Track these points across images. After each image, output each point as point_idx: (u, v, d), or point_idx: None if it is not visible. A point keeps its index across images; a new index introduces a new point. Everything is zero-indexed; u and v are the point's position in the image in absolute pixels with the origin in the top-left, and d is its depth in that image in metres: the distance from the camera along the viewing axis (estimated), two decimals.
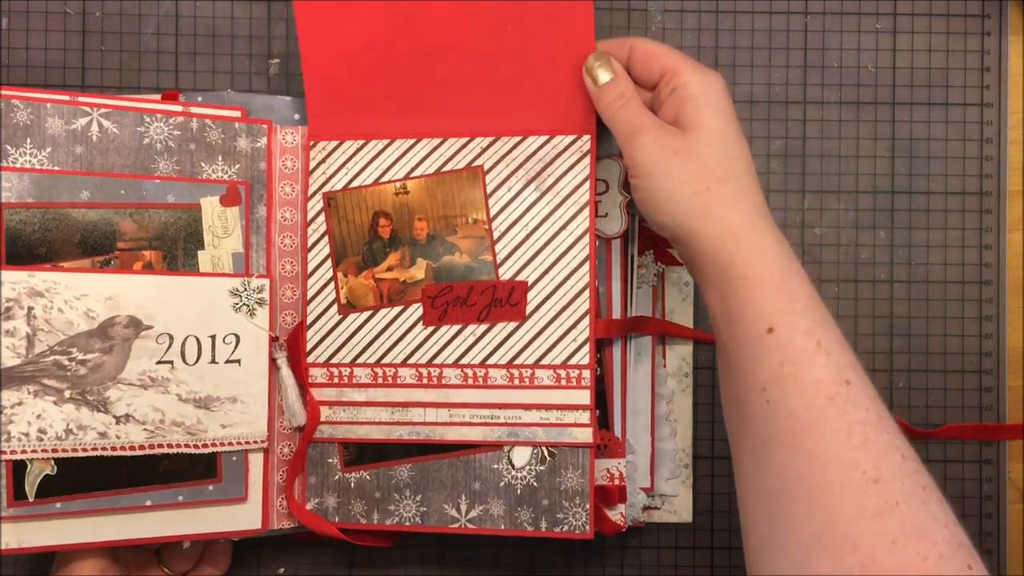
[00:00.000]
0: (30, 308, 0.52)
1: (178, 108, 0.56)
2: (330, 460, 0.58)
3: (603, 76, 0.53)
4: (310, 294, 0.58)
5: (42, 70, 0.61)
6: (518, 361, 0.56)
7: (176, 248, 0.55)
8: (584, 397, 0.55)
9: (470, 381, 0.56)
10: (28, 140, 0.53)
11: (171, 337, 0.54)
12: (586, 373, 0.55)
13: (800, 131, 0.63)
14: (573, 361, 0.56)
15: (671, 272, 0.62)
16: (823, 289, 0.63)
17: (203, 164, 0.56)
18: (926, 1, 0.64)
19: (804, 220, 0.63)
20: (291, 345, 0.58)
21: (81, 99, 0.54)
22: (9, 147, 0.53)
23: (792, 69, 0.63)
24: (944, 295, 0.63)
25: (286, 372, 0.57)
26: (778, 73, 0.63)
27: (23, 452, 0.53)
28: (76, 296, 0.53)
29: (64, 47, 0.61)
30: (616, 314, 0.59)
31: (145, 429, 0.55)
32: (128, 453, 0.54)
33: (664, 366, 0.62)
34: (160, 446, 0.55)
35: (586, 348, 0.55)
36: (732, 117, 0.51)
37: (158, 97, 0.58)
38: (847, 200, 0.63)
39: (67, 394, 0.53)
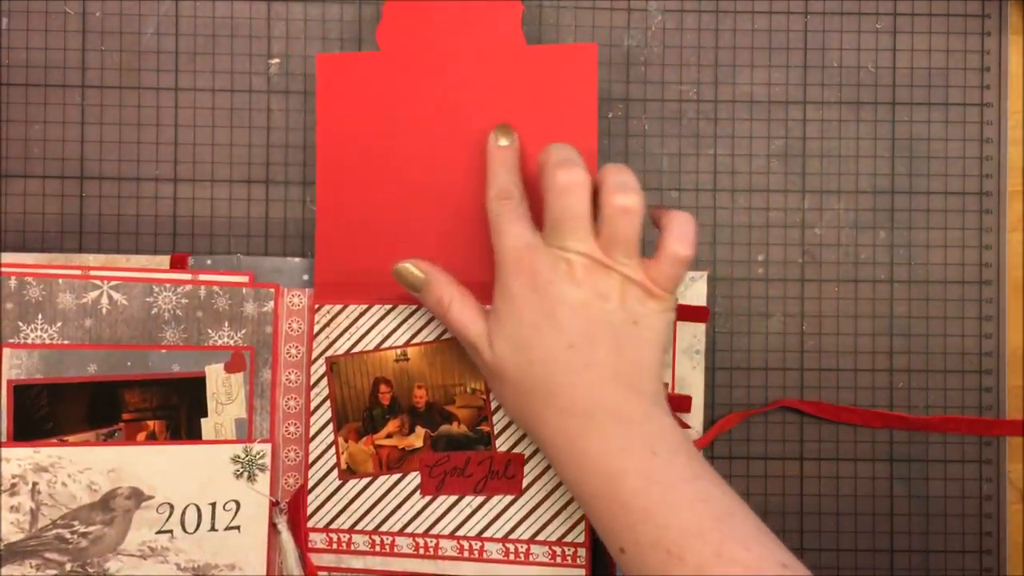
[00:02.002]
0: (35, 483, 0.54)
1: (187, 276, 0.57)
2: None
3: (416, 285, 0.55)
4: (312, 458, 0.58)
5: (42, 70, 0.62)
6: (514, 536, 0.56)
7: (179, 417, 0.57)
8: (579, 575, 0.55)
9: (466, 554, 0.56)
10: (40, 316, 0.55)
11: (171, 506, 0.56)
12: (581, 552, 0.55)
13: (800, 131, 0.63)
14: (568, 539, 0.55)
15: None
16: (823, 289, 0.63)
17: (210, 331, 0.57)
18: (926, 1, 0.63)
19: (804, 220, 0.63)
20: (292, 509, 0.58)
21: (92, 272, 0.56)
22: (21, 323, 0.55)
23: (792, 69, 0.63)
24: (944, 295, 0.63)
25: (286, 537, 0.58)
26: (778, 73, 0.63)
27: None
28: (80, 470, 0.55)
29: (64, 47, 0.62)
30: None
31: None
32: None
33: None
34: None
35: (581, 526, 0.55)
36: (524, 313, 0.50)
37: (167, 263, 0.59)
38: (847, 200, 0.63)
39: (68, 567, 0.54)
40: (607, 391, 0.49)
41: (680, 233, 0.51)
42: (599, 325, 0.50)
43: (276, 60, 0.62)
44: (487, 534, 0.56)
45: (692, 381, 0.61)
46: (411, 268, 0.54)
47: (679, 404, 0.60)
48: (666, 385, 0.60)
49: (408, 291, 0.54)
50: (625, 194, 0.50)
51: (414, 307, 0.58)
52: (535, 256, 0.51)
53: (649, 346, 0.51)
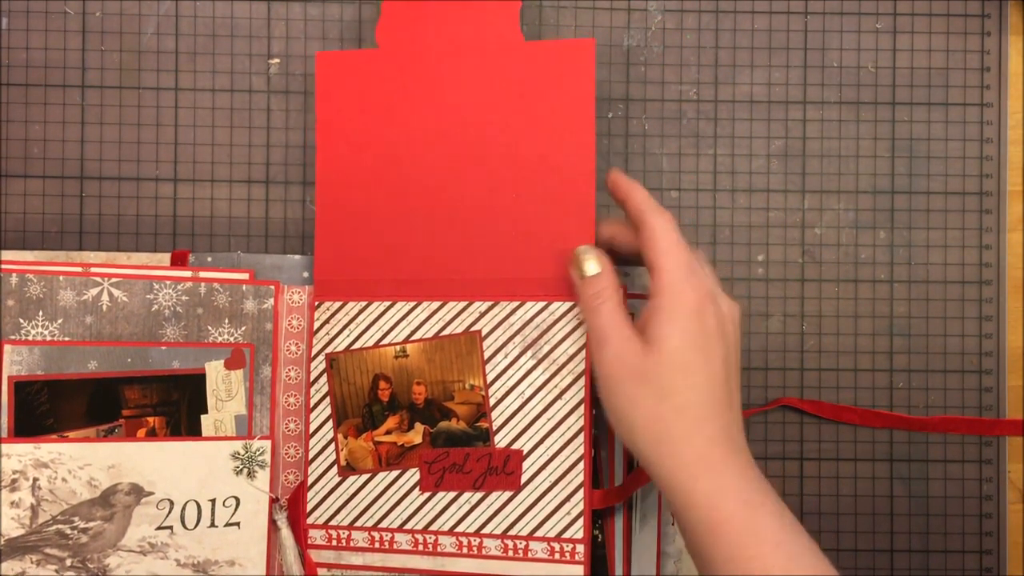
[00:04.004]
0: (35, 479, 0.54)
1: (187, 274, 0.57)
2: None
3: (589, 269, 0.53)
4: (311, 455, 0.58)
5: (42, 70, 0.62)
6: (512, 532, 0.56)
7: (179, 413, 0.57)
8: (578, 572, 0.55)
9: (465, 550, 0.56)
10: (40, 312, 0.56)
11: (171, 502, 0.56)
12: (580, 548, 0.55)
13: (800, 131, 0.63)
14: (567, 535, 0.55)
15: None
16: (823, 289, 0.63)
17: (210, 328, 0.58)
18: (926, 1, 0.63)
19: (804, 220, 0.63)
20: (292, 505, 0.58)
21: (93, 269, 0.56)
22: (22, 320, 0.55)
23: (792, 69, 0.63)
24: (944, 295, 0.63)
25: (286, 533, 0.58)
26: (778, 73, 0.63)
27: None
28: (80, 466, 0.55)
29: (64, 47, 0.62)
30: (619, 477, 0.58)
31: None
32: None
33: (673, 524, 0.61)
34: None
35: (580, 522, 0.55)
36: (699, 335, 0.49)
37: (167, 260, 0.59)
38: (847, 200, 0.63)
39: (68, 562, 0.54)
40: (739, 428, 0.50)
41: None
42: None
43: (276, 60, 0.63)
44: (486, 530, 0.56)
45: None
46: (592, 255, 0.53)
47: None
48: None
49: (572, 271, 0.54)
50: None
51: (413, 304, 0.58)
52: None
53: None
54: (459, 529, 0.56)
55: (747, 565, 0.46)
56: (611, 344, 0.50)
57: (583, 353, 0.56)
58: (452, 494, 0.57)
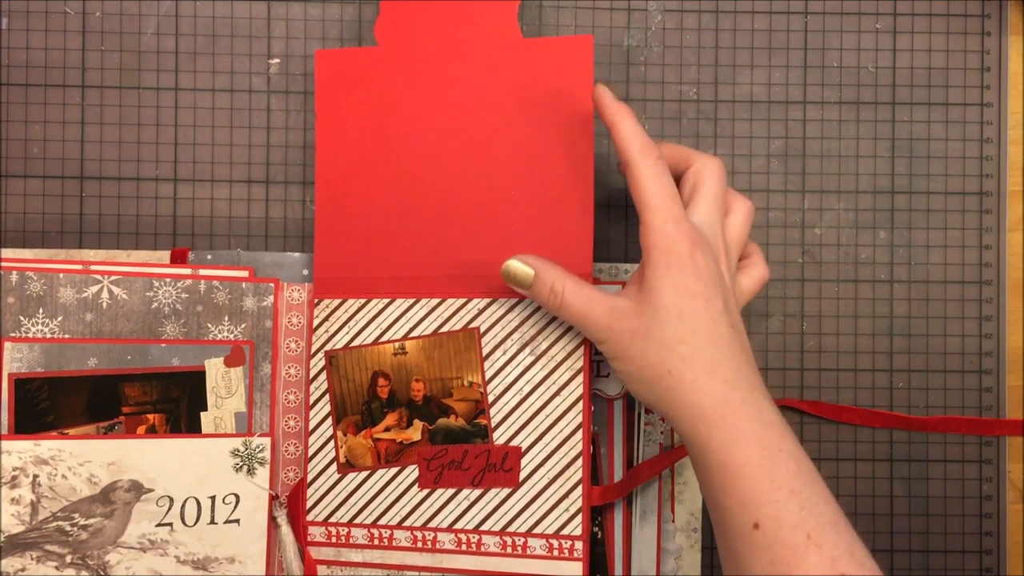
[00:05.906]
0: (35, 476, 0.54)
1: (187, 271, 0.58)
2: None
3: (524, 273, 0.52)
4: (311, 452, 0.59)
5: (42, 70, 0.62)
6: (511, 528, 0.56)
7: (179, 410, 0.57)
8: (577, 569, 0.55)
9: (464, 547, 0.56)
10: (41, 310, 0.56)
11: (171, 499, 0.56)
12: (578, 544, 0.55)
13: (800, 131, 0.63)
14: (566, 531, 0.55)
15: None
16: (823, 289, 0.63)
17: (209, 325, 0.58)
18: (926, 1, 0.63)
19: (804, 220, 0.63)
20: (292, 502, 0.59)
21: (93, 267, 0.56)
22: (23, 317, 0.55)
23: (792, 69, 0.63)
24: (944, 295, 0.63)
25: (286, 530, 0.58)
26: (778, 73, 0.63)
27: None
28: (80, 463, 0.55)
29: (64, 47, 0.62)
30: (619, 475, 0.58)
31: None
32: None
33: (673, 521, 0.61)
34: None
35: (579, 519, 0.55)
36: (694, 282, 0.48)
37: (167, 258, 0.59)
38: (847, 200, 0.63)
39: (68, 559, 0.55)
40: (753, 370, 0.49)
41: None
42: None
43: (276, 60, 0.63)
44: (485, 527, 0.56)
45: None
46: (519, 265, 0.53)
47: None
48: None
49: (516, 289, 0.53)
50: None
51: (412, 301, 0.58)
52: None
53: None
54: (458, 526, 0.56)
55: (760, 511, 0.46)
56: (596, 320, 0.50)
57: (581, 349, 0.56)
58: (451, 491, 0.57)
